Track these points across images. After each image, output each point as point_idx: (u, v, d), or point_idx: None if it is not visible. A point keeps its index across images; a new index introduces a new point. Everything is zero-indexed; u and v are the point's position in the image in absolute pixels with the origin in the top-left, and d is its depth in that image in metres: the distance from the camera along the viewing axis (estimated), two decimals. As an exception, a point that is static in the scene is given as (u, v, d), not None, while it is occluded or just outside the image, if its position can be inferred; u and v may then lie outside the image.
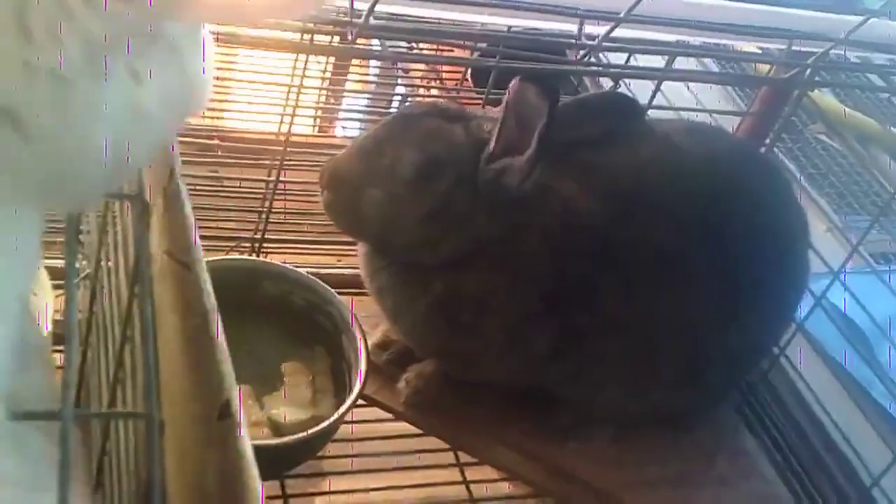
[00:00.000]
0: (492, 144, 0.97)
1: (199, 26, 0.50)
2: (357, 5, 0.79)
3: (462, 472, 1.18)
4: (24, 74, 0.41)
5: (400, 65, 2.01)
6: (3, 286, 0.45)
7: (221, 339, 0.47)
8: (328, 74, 1.79)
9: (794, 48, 0.99)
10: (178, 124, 0.52)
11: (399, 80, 2.03)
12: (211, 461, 0.46)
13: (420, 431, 1.15)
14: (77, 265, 1.03)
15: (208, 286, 0.50)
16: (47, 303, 0.89)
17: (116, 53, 0.44)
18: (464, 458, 1.18)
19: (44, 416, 0.47)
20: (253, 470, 0.42)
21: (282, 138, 1.23)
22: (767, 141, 1.36)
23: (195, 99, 0.51)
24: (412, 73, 2.01)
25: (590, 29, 0.94)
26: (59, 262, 0.92)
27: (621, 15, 0.75)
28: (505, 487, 1.20)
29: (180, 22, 0.46)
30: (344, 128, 1.91)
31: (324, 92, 1.79)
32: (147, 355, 0.48)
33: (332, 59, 1.80)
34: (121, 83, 0.45)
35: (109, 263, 0.74)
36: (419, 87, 1.96)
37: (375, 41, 1.51)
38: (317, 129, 1.92)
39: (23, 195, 0.45)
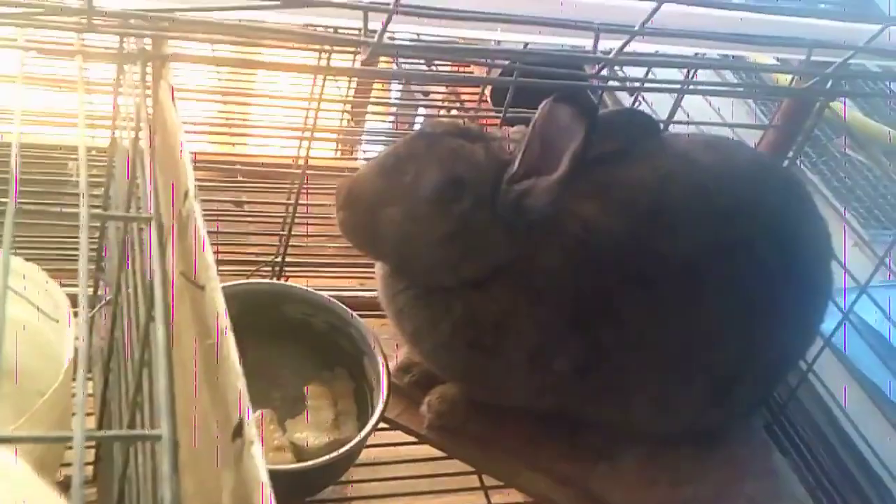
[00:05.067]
0: (515, 165, 0.95)
1: None
2: (372, 25, 0.78)
3: (487, 496, 1.17)
4: None
5: (420, 87, 2.02)
6: None
7: (236, 358, 0.47)
8: (350, 97, 1.80)
9: (813, 58, 0.98)
10: None
11: (420, 103, 2.03)
12: (226, 482, 0.46)
13: (444, 455, 1.14)
14: (99, 291, 1.04)
15: (223, 306, 0.50)
16: (68, 330, 0.90)
17: None
18: (489, 481, 1.17)
19: (58, 440, 0.47)
20: (267, 490, 0.42)
21: (300, 162, 1.24)
22: (790, 155, 1.34)
23: None
24: (432, 96, 2.01)
25: (607, 44, 0.94)
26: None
27: (635, 28, 0.74)
28: (531, 511, 1.19)
29: None
30: (364, 151, 1.91)
31: (345, 115, 1.81)
32: (162, 376, 0.47)
33: (353, 83, 1.81)
34: None
35: (129, 290, 0.74)
36: (440, 108, 1.97)
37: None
38: (339, 152, 1.93)
39: None
